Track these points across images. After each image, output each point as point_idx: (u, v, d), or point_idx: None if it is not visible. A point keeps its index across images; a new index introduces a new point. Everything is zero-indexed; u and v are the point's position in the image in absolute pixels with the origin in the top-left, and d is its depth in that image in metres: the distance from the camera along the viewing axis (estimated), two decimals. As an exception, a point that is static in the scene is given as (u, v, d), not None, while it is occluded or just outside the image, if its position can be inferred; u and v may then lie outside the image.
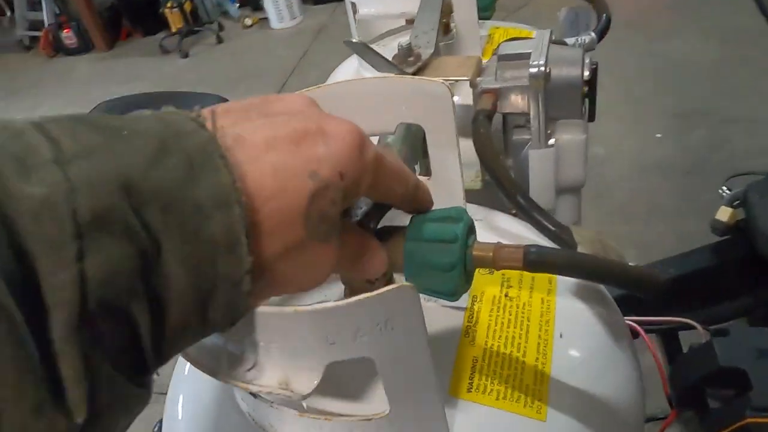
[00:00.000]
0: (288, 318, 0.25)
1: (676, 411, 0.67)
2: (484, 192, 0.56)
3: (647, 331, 1.07)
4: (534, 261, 0.29)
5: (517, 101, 0.50)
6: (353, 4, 0.67)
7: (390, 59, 0.52)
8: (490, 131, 0.47)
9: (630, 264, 0.34)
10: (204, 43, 4.41)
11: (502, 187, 0.44)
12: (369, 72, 0.58)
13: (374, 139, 0.30)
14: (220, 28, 4.46)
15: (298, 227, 0.23)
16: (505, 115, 0.53)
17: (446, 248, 0.30)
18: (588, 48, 0.63)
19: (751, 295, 1.12)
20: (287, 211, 0.23)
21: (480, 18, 0.68)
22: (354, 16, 0.66)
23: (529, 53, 0.48)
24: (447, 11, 0.62)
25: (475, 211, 0.49)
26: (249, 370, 0.27)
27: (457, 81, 0.52)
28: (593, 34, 0.62)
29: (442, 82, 0.38)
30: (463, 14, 0.63)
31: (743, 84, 2.72)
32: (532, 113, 0.49)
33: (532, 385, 0.36)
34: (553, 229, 0.43)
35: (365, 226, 0.31)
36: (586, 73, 0.48)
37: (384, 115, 0.40)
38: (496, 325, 0.38)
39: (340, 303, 0.25)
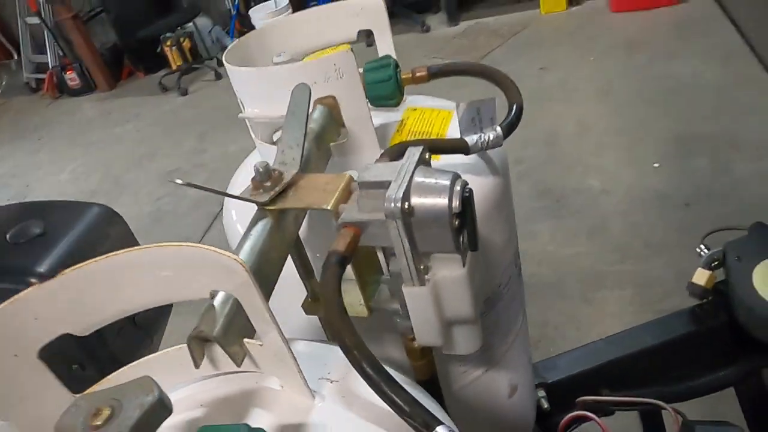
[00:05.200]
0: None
1: None
2: (373, 319, 0.49)
3: (618, 411, 0.99)
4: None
5: (380, 235, 0.43)
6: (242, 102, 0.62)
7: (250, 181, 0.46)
8: (339, 283, 0.41)
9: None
10: (203, 79, 4.43)
11: (348, 352, 0.38)
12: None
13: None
14: (219, 63, 4.47)
15: None
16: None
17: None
18: (493, 145, 0.56)
19: (734, 364, 1.03)
20: None
21: (385, 106, 0.62)
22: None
23: (389, 182, 0.42)
24: (330, 113, 0.56)
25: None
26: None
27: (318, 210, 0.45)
28: (499, 130, 0.55)
29: (236, 259, 0.32)
30: (351, 111, 0.57)
31: (747, 104, 2.60)
32: (396, 250, 0.43)
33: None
34: (402, 405, 0.36)
35: None
36: (456, 204, 0.41)
37: (185, 284, 0.35)
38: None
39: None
